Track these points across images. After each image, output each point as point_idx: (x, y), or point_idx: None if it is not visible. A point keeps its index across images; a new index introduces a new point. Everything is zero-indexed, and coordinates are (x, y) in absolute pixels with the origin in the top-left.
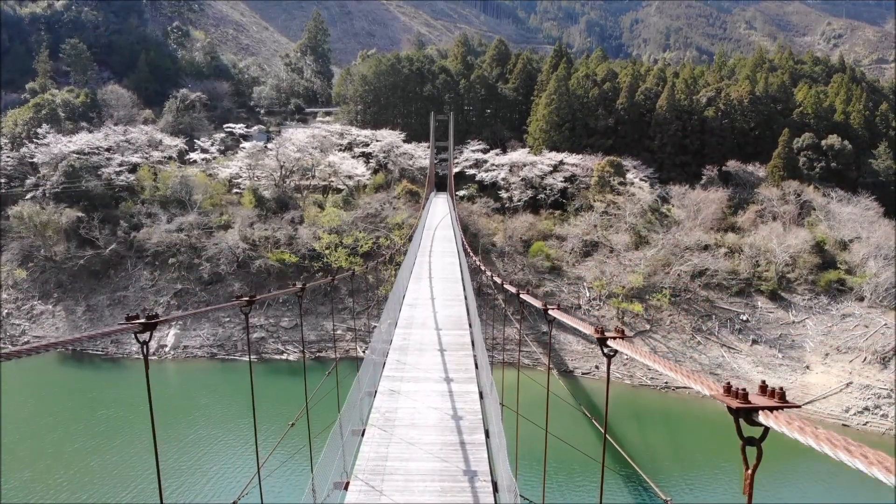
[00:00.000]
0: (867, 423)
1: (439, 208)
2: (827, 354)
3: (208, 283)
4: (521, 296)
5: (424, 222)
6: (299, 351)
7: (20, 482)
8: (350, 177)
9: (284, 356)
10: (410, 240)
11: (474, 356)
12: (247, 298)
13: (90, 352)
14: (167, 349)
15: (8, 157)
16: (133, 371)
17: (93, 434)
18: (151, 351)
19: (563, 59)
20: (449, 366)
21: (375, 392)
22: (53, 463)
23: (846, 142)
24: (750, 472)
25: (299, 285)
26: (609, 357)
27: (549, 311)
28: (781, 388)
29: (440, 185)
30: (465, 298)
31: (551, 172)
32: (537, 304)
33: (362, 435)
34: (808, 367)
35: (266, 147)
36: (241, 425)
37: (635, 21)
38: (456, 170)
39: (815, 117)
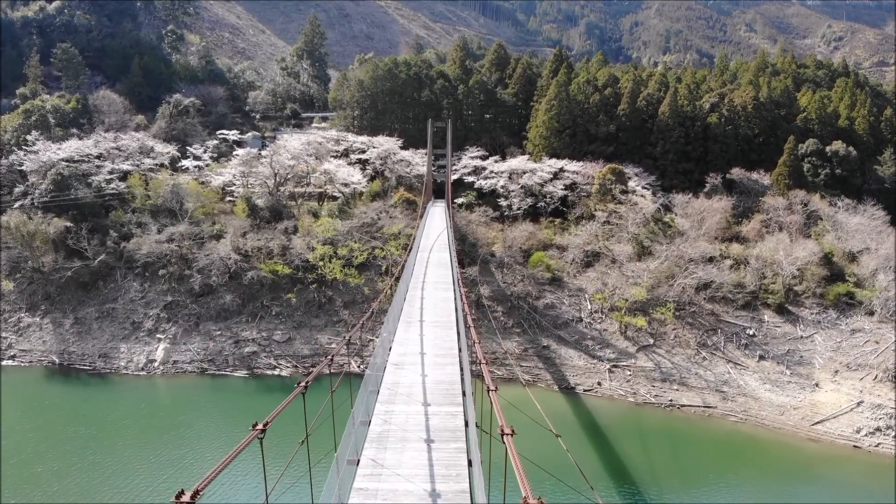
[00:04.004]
0: (879, 444)
1: (436, 221)
2: (836, 371)
3: (199, 295)
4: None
5: (419, 243)
6: (292, 366)
7: None
8: (346, 184)
9: (277, 371)
10: (408, 252)
11: (467, 447)
12: (261, 427)
13: (77, 366)
14: (156, 364)
15: None
16: (117, 387)
17: (62, 453)
18: (140, 367)
19: (563, 63)
20: (436, 468)
21: None
22: (11, 492)
23: (851, 148)
24: None
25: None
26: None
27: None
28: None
29: (438, 192)
30: (460, 351)
31: (551, 180)
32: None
33: None
34: (817, 385)
35: (260, 154)
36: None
37: (635, 23)
38: (454, 177)
39: (819, 123)
